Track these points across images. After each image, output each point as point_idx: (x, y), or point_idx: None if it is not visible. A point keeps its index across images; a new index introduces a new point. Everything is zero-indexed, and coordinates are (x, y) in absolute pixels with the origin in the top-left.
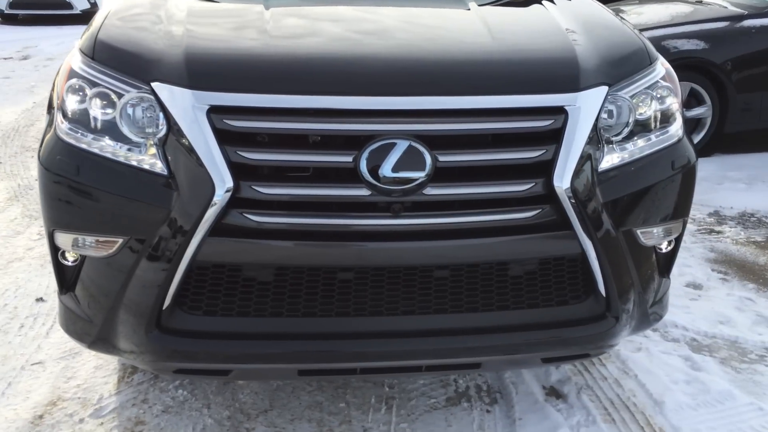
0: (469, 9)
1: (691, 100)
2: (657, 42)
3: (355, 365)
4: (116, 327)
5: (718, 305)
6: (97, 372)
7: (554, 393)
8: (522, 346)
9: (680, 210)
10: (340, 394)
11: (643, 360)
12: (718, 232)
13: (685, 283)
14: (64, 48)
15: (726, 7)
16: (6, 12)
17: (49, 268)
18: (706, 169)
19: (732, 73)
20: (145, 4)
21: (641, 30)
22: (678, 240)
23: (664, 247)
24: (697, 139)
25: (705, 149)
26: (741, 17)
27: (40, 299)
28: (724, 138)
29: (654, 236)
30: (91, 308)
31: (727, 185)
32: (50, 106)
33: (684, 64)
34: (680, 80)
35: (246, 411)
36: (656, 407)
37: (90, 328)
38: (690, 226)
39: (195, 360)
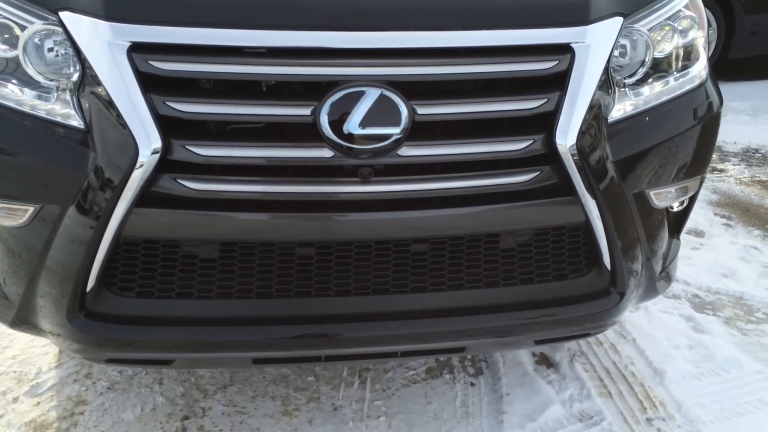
0: None
1: None
2: None
3: (318, 353)
4: (35, 308)
5: (722, 255)
6: (35, 342)
7: (545, 361)
8: (513, 327)
9: (700, 165)
10: (308, 367)
11: (641, 321)
12: (721, 170)
13: (686, 230)
14: None
15: None
16: None
17: None
18: None
19: None
20: None
21: None
22: (693, 198)
23: (677, 205)
24: None
25: None
26: None
27: None
28: (729, 64)
29: (668, 197)
30: (7, 285)
31: (731, 117)
32: None
33: None
34: None
35: (203, 387)
36: (656, 377)
37: (8, 307)
38: None
39: (129, 349)
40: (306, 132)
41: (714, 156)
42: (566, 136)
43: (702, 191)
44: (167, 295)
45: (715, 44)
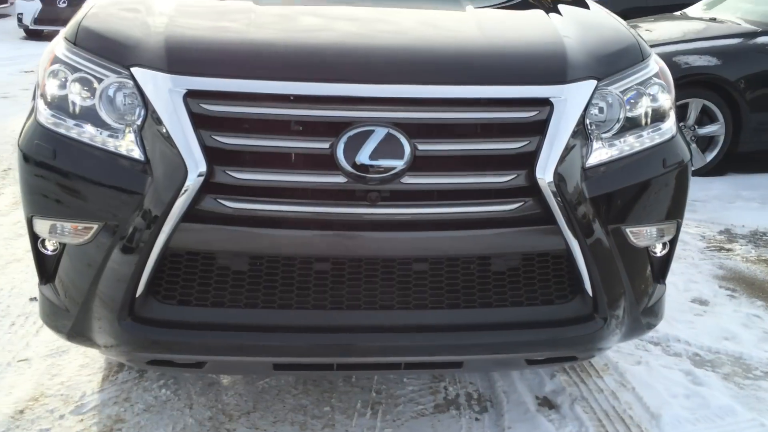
0: (464, 10)
1: (703, 118)
2: (668, 58)
3: (331, 360)
4: (91, 316)
5: (724, 321)
6: (82, 370)
7: (547, 403)
8: (505, 345)
9: (673, 211)
10: (325, 398)
11: (642, 373)
12: (728, 250)
13: (690, 298)
14: None
15: (739, 24)
16: (31, 27)
17: None
18: (719, 187)
19: (746, 91)
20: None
21: (651, 46)
22: (672, 243)
23: (658, 250)
24: (709, 157)
25: (718, 168)
26: (755, 34)
27: (33, 299)
28: (738, 157)
29: (645, 237)
30: (68, 298)
31: (740, 204)
32: (34, 95)
33: (696, 81)
34: (692, 97)
35: (228, 412)
36: (653, 420)
37: (67, 318)
38: (699, 243)
39: (168, 350)
40: (324, 162)
41: (722, 237)
42: (545, 172)
43: (708, 267)
44: (203, 303)
45: (723, 138)
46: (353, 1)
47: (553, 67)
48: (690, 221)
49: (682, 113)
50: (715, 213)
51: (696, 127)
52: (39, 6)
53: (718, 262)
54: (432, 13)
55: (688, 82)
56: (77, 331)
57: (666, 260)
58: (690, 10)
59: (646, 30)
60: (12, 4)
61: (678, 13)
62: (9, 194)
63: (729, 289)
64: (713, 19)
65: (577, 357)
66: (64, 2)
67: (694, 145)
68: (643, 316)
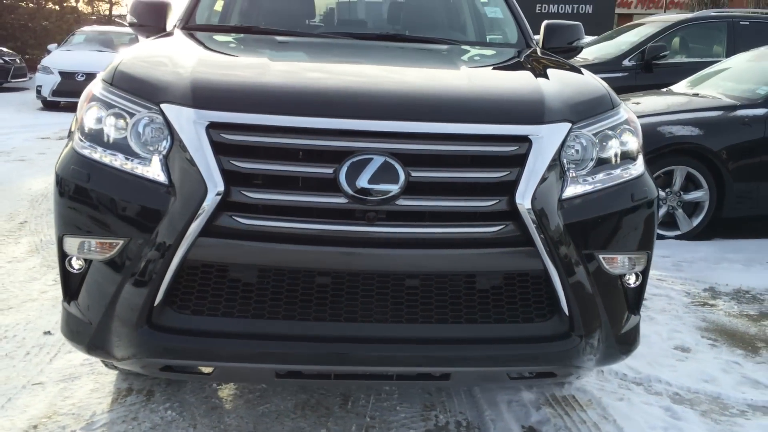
0: (459, 69)
1: (688, 184)
2: (653, 128)
3: (328, 369)
4: (110, 327)
5: (705, 366)
6: (93, 393)
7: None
8: (488, 358)
9: (642, 242)
10: (322, 422)
11: (623, 408)
12: (712, 305)
13: (673, 345)
14: None
15: (720, 99)
16: (49, 99)
17: (59, 308)
18: (705, 250)
19: (728, 161)
20: (161, 49)
21: (639, 117)
22: (644, 275)
23: (632, 281)
24: (695, 222)
25: (705, 233)
26: (734, 107)
27: (47, 332)
28: (724, 222)
29: (617, 265)
30: (91, 310)
31: (725, 265)
32: (70, 131)
33: (680, 149)
34: (677, 164)
35: None
36: None
37: (88, 330)
38: (684, 299)
39: (180, 357)
40: (328, 185)
41: (707, 294)
42: (524, 199)
43: (692, 319)
44: (214, 313)
45: (708, 204)
46: (358, 59)
47: (532, 110)
48: (676, 279)
49: (668, 180)
50: (700, 272)
51: (682, 193)
52: (58, 79)
53: (701, 316)
54: (428, 69)
55: (672, 150)
56: (96, 343)
57: (639, 291)
58: (675, 87)
59: (634, 103)
60: (31, 78)
61: (664, 89)
62: (25, 243)
63: (711, 339)
64: (696, 94)
65: (556, 374)
66: (82, 76)
67: (680, 210)
68: (618, 341)
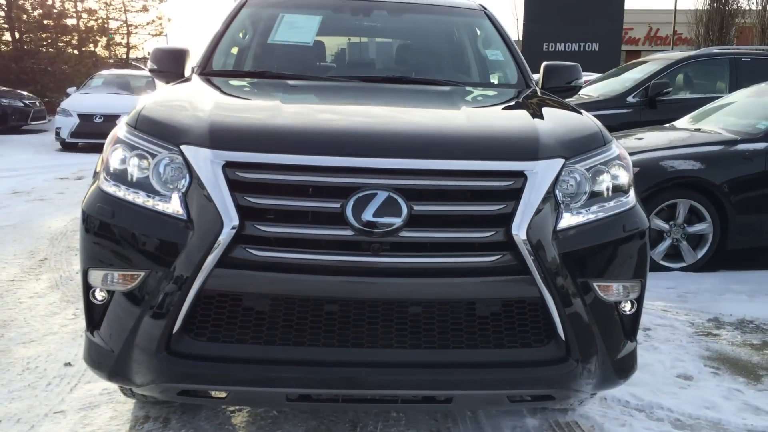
0: (458, 109)
1: (692, 217)
2: (656, 162)
3: (337, 393)
4: (131, 354)
5: (707, 393)
6: (112, 421)
7: None
8: (489, 382)
9: (635, 271)
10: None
11: None
12: (716, 335)
13: (676, 374)
14: None
15: (721, 134)
16: (67, 140)
17: (80, 341)
18: (710, 281)
19: (730, 194)
20: (180, 94)
21: (641, 152)
22: (639, 302)
23: (627, 309)
24: (700, 254)
25: (710, 265)
26: (735, 142)
27: (68, 364)
28: (728, 254)
29: (612, 292)
30: (113, 339)
31: (729, 296)
32: (95, 172)
33: (683, 183)
34: (680, 198)
35: None
36: None
37: (110, 357)
38: (687, 329)
39: (197, 381)
40: (336, 218)
41: (710, 324)
42: (520, 230)
43: (695, 348)
44: (229, 340)
45: (712, 236)
46: (364, 100)
47: (527, 147)
48: (680, 309)
49: (671, 213)
50: (704, 303)
51: (686, 225)
52: (77, 121)
53: (704, 345)
54: (430, 109)
55: (675, 183)
56: (117, 370)
57: (634, 318)
58: (677, 122)
59: (637, 138)
60: (50, 120)
61: (667, 125)
62: (45, 280)
63: (713, 367)
64: (698, 130)
65: (555, 397)
66: (100, 118)
67: (684, 243)
68: (615, 367)
